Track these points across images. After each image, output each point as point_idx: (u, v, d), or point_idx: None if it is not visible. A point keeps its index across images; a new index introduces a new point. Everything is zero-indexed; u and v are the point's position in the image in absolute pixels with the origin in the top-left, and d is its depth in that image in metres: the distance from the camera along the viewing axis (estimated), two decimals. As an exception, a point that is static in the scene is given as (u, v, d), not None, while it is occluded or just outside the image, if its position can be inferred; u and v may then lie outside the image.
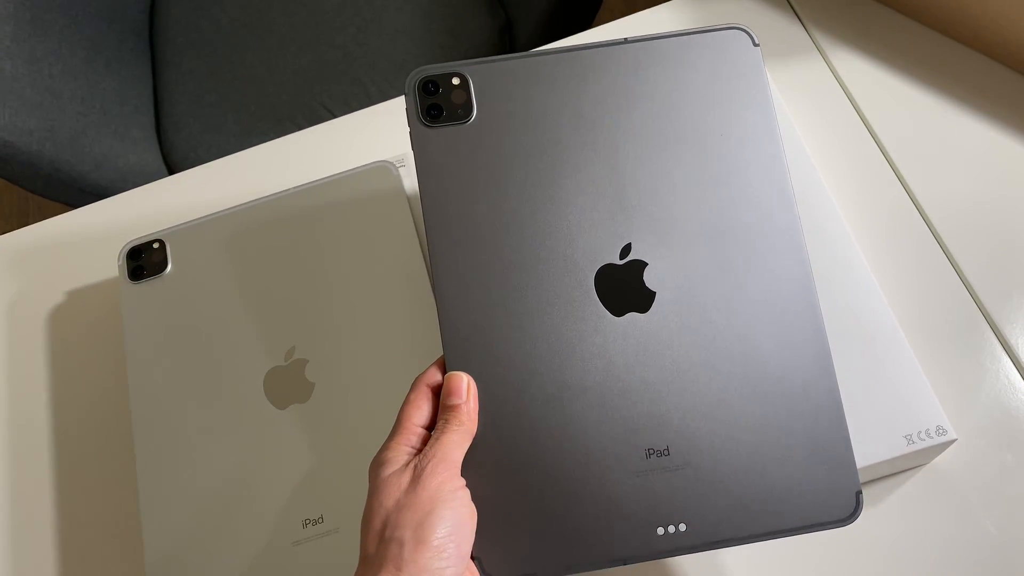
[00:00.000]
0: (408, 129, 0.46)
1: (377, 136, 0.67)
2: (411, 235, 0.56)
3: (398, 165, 0.58)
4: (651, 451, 0.42)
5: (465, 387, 0.41)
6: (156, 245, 0.58)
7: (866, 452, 0.46)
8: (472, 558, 0.40)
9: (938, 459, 0.51)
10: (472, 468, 0.41)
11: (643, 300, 0.44)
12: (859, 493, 0.41)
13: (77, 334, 0.63)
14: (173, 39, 1.09)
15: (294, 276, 0.56)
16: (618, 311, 0.43)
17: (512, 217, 0.45)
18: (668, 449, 0.41)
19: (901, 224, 0.58)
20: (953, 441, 0.47)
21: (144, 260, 0.57)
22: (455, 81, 0.47)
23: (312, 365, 0.53)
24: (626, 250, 0.45)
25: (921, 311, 0.54)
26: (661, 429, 0.42)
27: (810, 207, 0.54)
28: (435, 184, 0.45)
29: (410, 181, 0.58)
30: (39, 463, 0.59)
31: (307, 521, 0.49)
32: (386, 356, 0.53)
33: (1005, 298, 0.54)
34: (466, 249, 0.44)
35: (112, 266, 0.63)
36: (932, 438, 0.47)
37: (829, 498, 0.41)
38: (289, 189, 0.59)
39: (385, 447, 0.40)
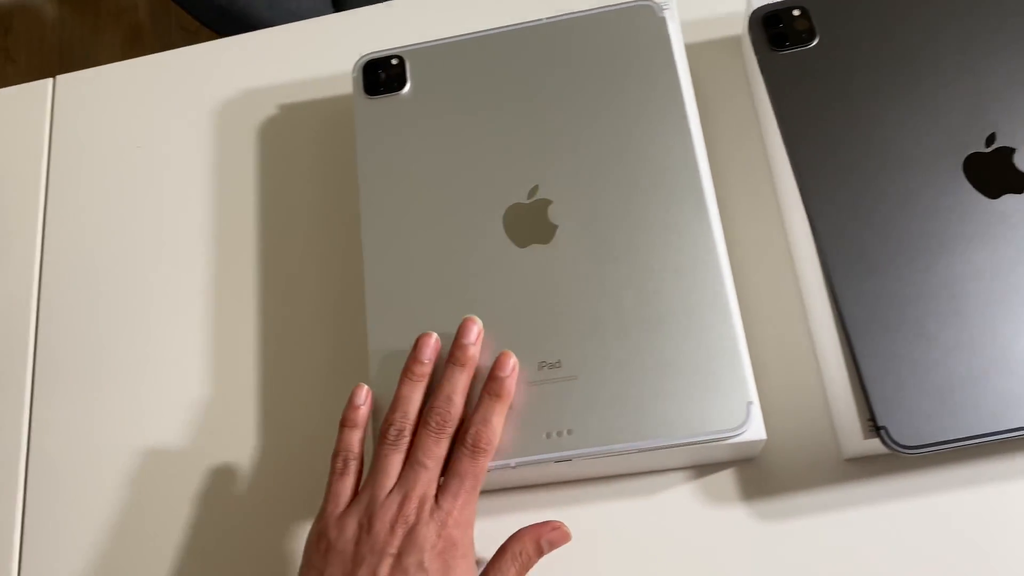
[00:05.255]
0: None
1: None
2: (674, 84, 0.51)
3: (663, 7, 0.53)
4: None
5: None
6: (395, 61, 0.54)
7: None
8: (877, 429, 0.42)
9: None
10: None
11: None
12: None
13: (290, 147, 0.60)
14: None
15: (539, 112, 0.52)
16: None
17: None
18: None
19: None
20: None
21: (381, 76, 0.54)
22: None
23: (556, 207, 0.50)
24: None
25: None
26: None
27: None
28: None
29: (674, 25, 0.53)
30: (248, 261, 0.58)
31: (544, 364, 0.47)
32: (636, 209, 0.49)
33: None
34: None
35: (326, 86, 0.60)
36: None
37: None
38: (540, 19, 0.54)
39: None
